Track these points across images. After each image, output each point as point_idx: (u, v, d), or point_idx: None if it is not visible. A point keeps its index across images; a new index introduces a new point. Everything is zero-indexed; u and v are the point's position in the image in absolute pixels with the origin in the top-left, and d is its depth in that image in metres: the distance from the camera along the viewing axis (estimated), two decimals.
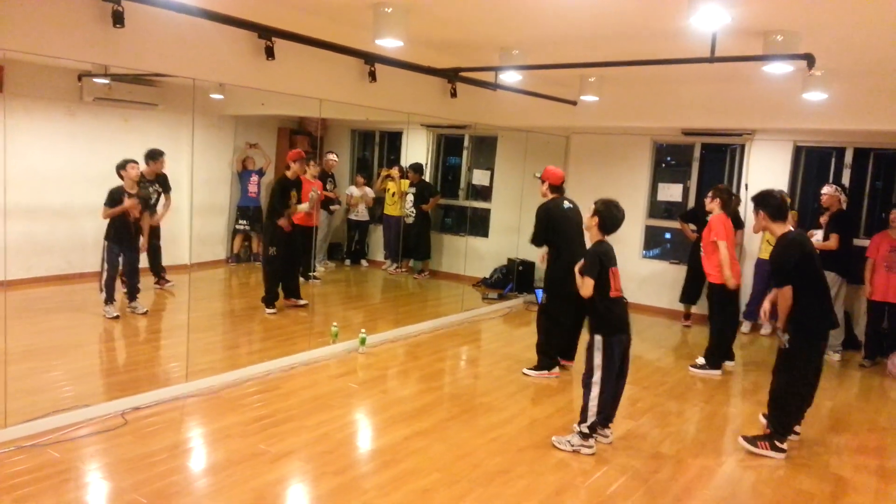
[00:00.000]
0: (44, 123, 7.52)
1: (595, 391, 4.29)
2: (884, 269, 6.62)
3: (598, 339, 4.29)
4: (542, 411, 5.01)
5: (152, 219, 7.23)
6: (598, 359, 4.28)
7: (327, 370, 5.70)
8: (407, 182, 10.03)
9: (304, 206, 7.58)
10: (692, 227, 7.88)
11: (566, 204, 5.87)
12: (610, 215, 4.30)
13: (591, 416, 4.29)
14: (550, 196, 5.87)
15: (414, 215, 9.82)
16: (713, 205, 6.30)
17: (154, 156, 7.24)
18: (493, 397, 5.30)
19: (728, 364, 6.47)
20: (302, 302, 7.61)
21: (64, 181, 7.56)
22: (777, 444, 4.44)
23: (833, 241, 6.70)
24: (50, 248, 7.54)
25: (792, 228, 4.49)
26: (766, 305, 4.75)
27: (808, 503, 3.89)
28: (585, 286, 4.25)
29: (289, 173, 7.43)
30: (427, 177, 10.21)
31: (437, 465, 4.04)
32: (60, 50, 4.08)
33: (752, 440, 4.51)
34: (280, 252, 7.35)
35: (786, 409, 4.52)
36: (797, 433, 4.74)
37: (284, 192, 7.34)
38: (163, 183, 7.40)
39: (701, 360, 6.35)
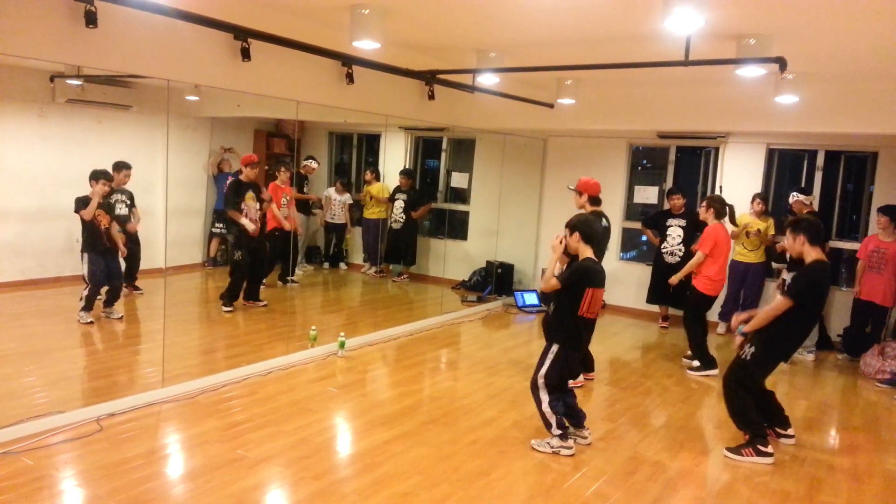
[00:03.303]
0: (15, 125, 7.40)
1: (544, 397, 4.33)
2: (868, 270, 6.78)
3: (555, 347, 4.32)
4: (522, 414, 5.02)
5: (129, 225, 7.14)
6: (545, 366, 4.32)
7: (306, 374, 5.66)
8: (382, 186, 10.01)
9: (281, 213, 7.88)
10: (654, 232, 8.04)
11: (604, 222, 5.53)
12: (588, 227, 4.30)
13: (553, 420, 4.31)
14: (591, 209, 5.55)
15: (403, 221, 9.79)
16: (708, 215, 6.23)
17: (118, 167, 7.03)
18: (472, 400, 5.30)
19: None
20: (261, 303, 7.74)
21: (36, 183, 7.44)
22: (760, 448, 4.43)
23: None
24: (22, 252, 7.42)
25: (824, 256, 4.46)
26: (743, 316, 4.69)
27: (783, 502, 3.94)
28: (549, 284, 4.26)
29: (242, 177, 7.57)
30: None
31: (417, 468, 4.03)
32: (31, 50, 4.02)
33: (737, 450, 4.49)
34: (244, 256, 7.43)
35: (748, 415, 4.55)
36: (791, 436, 4.78)
37: (237, 193, 7.44)
38: (129, 197, 7.28)
39: (696, 363, 6.39)
